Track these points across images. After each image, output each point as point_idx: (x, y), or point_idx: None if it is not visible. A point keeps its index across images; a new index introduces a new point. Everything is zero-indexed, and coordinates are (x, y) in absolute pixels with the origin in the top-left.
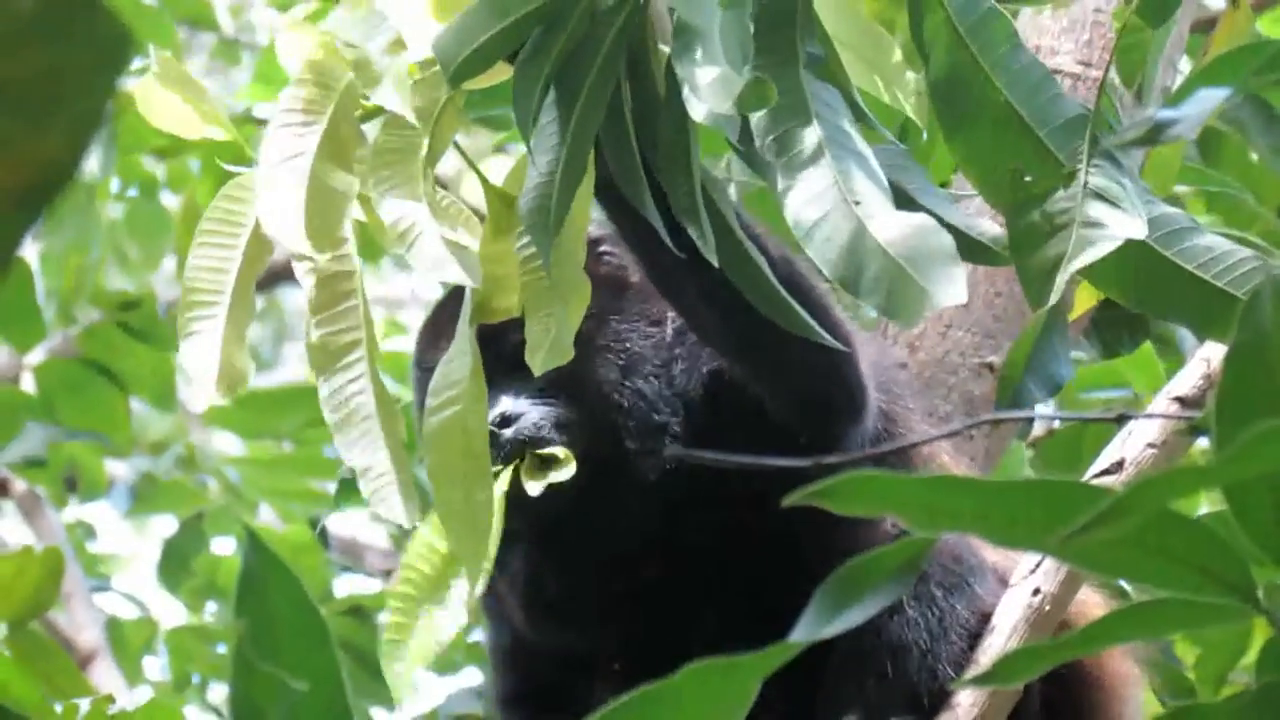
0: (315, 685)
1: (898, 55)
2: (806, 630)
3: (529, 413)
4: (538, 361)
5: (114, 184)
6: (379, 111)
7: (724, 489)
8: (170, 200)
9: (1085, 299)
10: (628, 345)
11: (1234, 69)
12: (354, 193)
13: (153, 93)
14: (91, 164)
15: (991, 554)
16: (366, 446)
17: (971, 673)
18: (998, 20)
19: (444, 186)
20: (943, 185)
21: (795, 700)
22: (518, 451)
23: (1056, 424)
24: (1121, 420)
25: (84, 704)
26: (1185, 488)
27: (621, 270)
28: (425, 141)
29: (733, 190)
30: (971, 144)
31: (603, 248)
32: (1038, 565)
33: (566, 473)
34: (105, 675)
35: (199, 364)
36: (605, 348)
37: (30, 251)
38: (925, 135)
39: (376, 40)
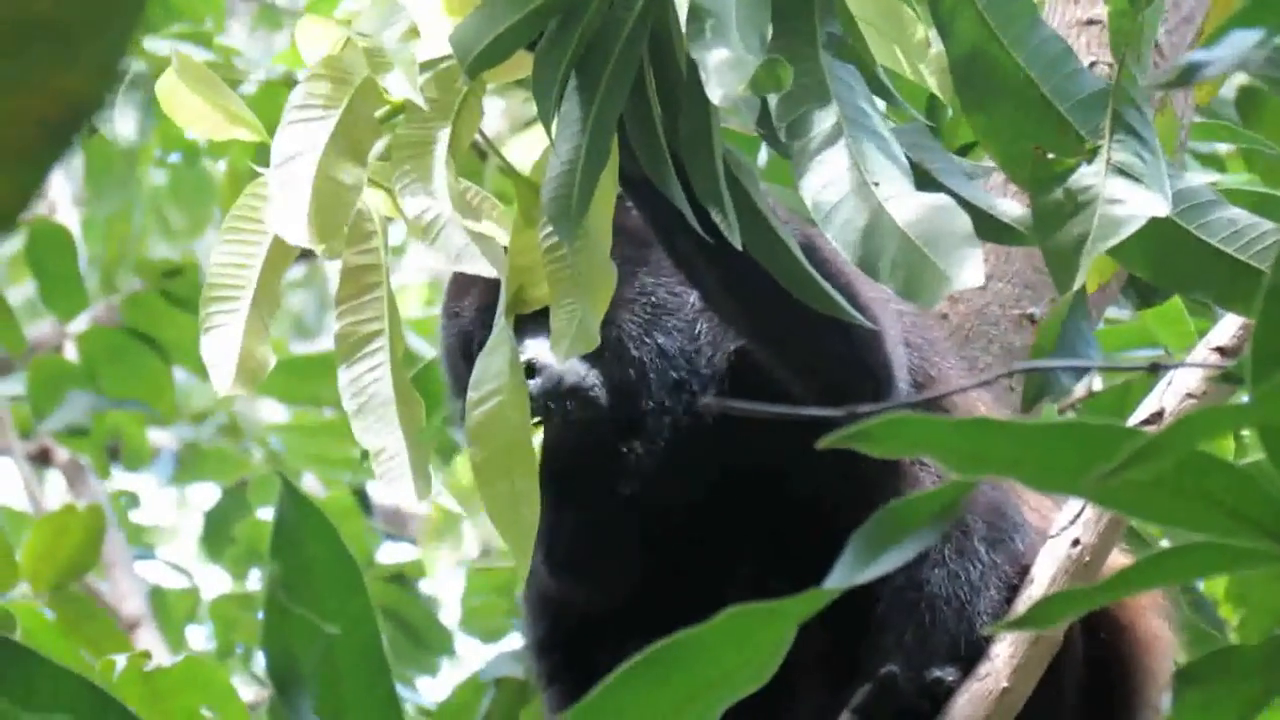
0: (350, 630)
1: (920, 32)
2: (842, 575)
3: (553, 366)
4: (563, 350)
5: (156, 152)
6: (402, 109)
7: (750, 449)
8: (213, 167)
9: (1095, 276)
10: (653, 299)
11: (1272, 11)
12: (363, 186)
13: (175, 92)
14: (130, 130)
15: (1032, 514)
16: (381, 430)
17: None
18: None
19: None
20: (962, 152)
21: (838, 654)
22: (540, 405)
23: (1098, 384)
24: (1155, 370)
25: (120, 660)
26: (1218, 427)
27: None
28: (446, 134)
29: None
30: (992, 120)
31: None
32: (1077, 516)
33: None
34: (149, 643)
35: (219, 356)
36: (630, 300)
37: (72, 220)
38: (950, 111)
39: (391, 30)
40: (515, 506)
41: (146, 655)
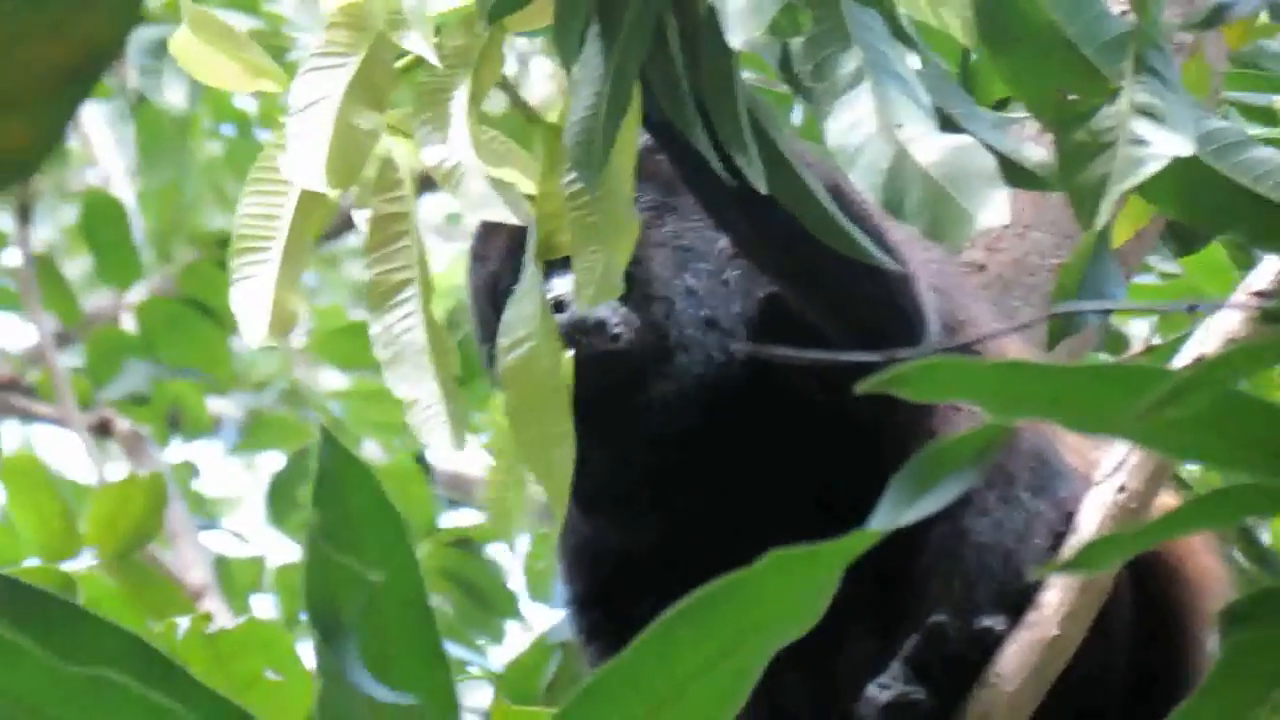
0: (394, 580)
1: None
2: (885, 517)
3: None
4: (587, 298)
5: (206, 122)
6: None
7: (784, 393)
8: (266, 136)
9: (1129, 222)
10: (683, 241)
11: None
12: (381, 132)
13: (190, 47)
14: (179, 98)
15: (1077, 460)
16: (415, 379)
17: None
18: None
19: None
20: (997, 107)
21: (886, 604)
22: (567, 337)
23: (1155, 340)
24: (1193, 310)
25: (183, 623)
26: (1252, 364)
27: None
28: (466, 82)
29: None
30: (1017, 64)
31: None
32: (1122, 462)
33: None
34: (214, 612)
35: (249, 307)
36: (660, 244)
37: (126, 192)
38: (974, 56)
39: None
40: (550, 450)
41: (209, 618)
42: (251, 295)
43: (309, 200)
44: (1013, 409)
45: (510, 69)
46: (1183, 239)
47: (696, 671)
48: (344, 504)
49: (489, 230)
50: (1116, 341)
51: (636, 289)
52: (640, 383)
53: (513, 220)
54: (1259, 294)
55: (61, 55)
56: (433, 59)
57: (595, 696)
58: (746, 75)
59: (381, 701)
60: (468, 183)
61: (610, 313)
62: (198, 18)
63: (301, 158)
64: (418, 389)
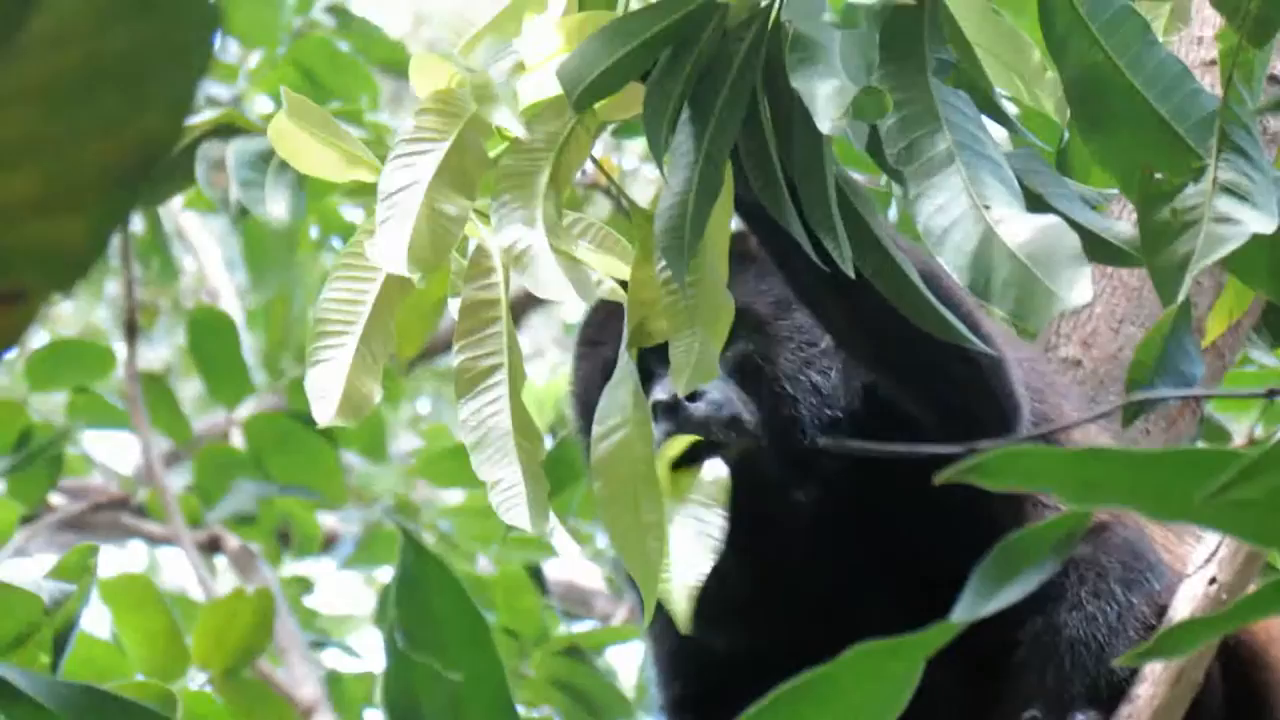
0: (475, 680)
1: (1036, 57)
2: (966, 609)
3: (713, 390)
4: (682, 382)
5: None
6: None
7: (884, 490)
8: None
9: (1225, 313)
10: (809, 337)
11: None
12: (467, 218)
13: (289, 134)
14: (281, 211)
15: (1168, 555)
16: (499, 461)
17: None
18: (1130, 18)
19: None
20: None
21: (981, 701)
22: (702, 430)
23: (1259, 431)
24: (1272, 395)
25: None
26: None
27: None
28: (549, 164)
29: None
30: (1109, 142)
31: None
32: (1213, 554)
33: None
34: None
35: (322, 388)
36: (788, 338)
37: (235, 308)
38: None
39: (500, 65)
40: (642, 539)
41: None
42: (326, 376)
43: (393, 286)
44: (1090, 496)
45: (628, 166)
46: (1277, 331)
47: None
48: (426, 605)
49: (604, 316)
50: (1218, 435)
51: (764, 387)
52: (776, 488)
53: (576, 301)
54: None
55: (116, 154)
56: (521, 132)
57: None
58: (857, 176)
59: None
60: (536, 264)
61: (740, 405)
62: (296, 104)
63: (387, 242)
64: (500, 471)
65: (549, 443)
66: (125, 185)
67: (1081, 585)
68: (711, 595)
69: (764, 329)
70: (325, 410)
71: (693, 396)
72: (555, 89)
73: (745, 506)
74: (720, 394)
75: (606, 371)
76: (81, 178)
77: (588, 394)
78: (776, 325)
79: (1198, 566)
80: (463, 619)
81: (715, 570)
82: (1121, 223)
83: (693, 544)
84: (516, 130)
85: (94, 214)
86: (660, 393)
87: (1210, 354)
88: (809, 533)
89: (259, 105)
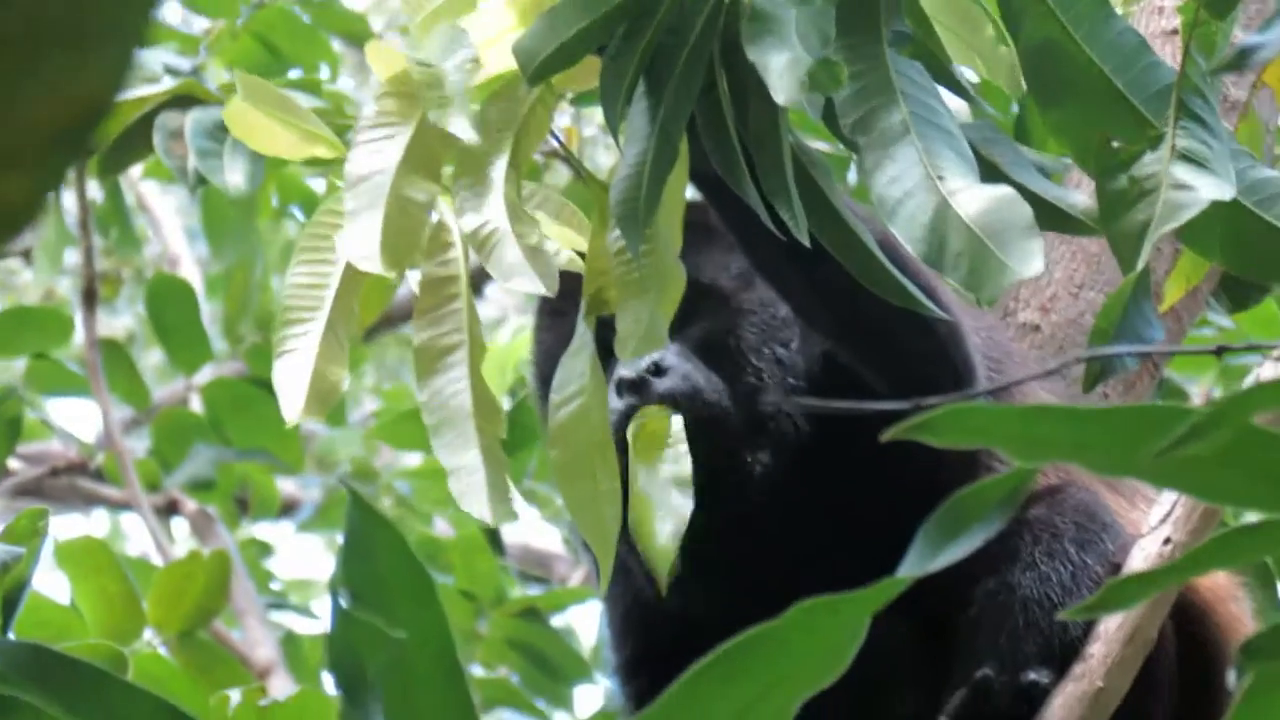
0: (422, 638)
1: (990, 30)
2: (913, 565)
3: (677, 364)
4: (628, 351)
5: (274, 200)
6: None
7: (845, 454)
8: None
9: (1182, 279)
10: (772, 310)
11: None
12: (434, 201)
13: (245, 115)
14: (239, 179)
15: (1124, 514)
16: (459, 446)
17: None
18: None
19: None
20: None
21: (932, 660)
22: (667, 403)
23: (1215, 393)
24: (1221, 352)
25: (235, 696)
26: (1271, 400)
27: None
28: (508, 145)
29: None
30: (1066, 115)
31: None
32: (1169, 514)
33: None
34: (283, 690)
35: (289, 382)
36: (751, 312)
37: (194, 274)
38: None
39: (453, 59)
40: (598, 507)
41: (262, 690)
42: (293, 369)
43: (356, 271)
44: (1037, 453)
45: (588, 133)
46: (1235, 296)
47: None
48: (372, 565)
49: (565, 287)
50: (1177, 396)
51: (729, 362)
52: (738, 457)
53: (540, 291)
54: None
55: (58, 114)
56: (474, 139)
57: None
58: (818, 146)
59: None
60: (501, 250)
61: (704, 380)
62: (251, 86)
63: (357, 238)
64: (460, 456)
65: (508, 403)
66: (67, 146)
67: (1035, 545)
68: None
69: (728, 304)
70: (292, 407)
71: (658, 373)
72: (510, 65)
73: (705, 472)
74: (684, 370)
75: (567, 341)
76: (22, 138)
77: (549, 364)
78: (740, 299)
79: (1152, 526)
80: (409, 578)
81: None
82: (1078, 193)
83: (669, 503)
84: (469, 137)
85: (35, 173)
86: (625, 370)
87: (1169, 318)
88: (768, 498)
89: (218, 76)
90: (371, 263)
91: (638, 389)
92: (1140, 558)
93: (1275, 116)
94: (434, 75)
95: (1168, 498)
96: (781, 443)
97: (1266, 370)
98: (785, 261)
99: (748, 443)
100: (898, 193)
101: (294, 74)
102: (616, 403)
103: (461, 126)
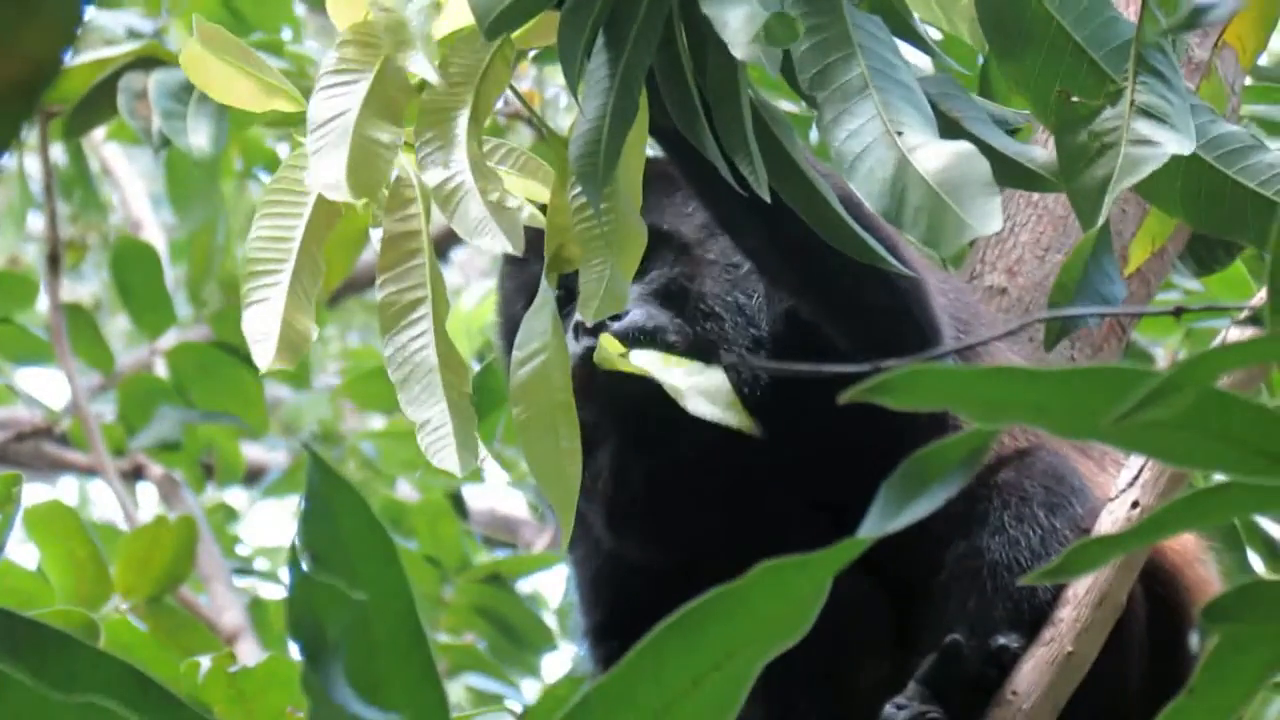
0: (382, 600)
1: None
2: (873, 525)
3: (635, 309)
4: (590, 311)
5: (238, 164)
6: None
7: (805, 409)
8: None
9: (1147, 240)
10: (735, 260)
11: None
12: (399, 146)
13: (201, 61)
14: (203, 142)
15: (1093, 479)
16: (425, 401)
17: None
18: None
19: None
20: None
21: (903, 625)
22: (623, 341)
23: (1181, 355)
24: (1179, 313)
25: (205, 662)
26: (1232, 362)
27: None
28: (469, 98)
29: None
30: (1023, 68)
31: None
32: (1135, 478)
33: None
34: (250, 655)
35: (259, 332)
36: (713, 261)
37: (158, 239)
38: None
39: (413, 3)
40: (559, 465)
41: (232, 657)
42: (262, 319)
43: (320, 218)
44: (995, 415)
45: (549, 94)
46: (1202, 259)
47: (688, 685)
48: (332, 526)
49: (533, 233)
50: (1142, 360)
51: (691, 306)
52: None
53: (506, 248)
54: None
55: (5, 72)
56: (435, 79)
57: (587, 712)
58: (787, 106)
59: None
60: (465, 206)
61: (667, 320)
62: (207, 31)
63: (324, 169)
64: (427, 410)
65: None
66: (15, 105)
67: (1004, 510)
68: (615, 499)
69: (689, 252)
70: (264, 354)
71: (615, 317)
72: (469, 19)
73: (652, 411)
74: (642, 312)
75: (531, 294)
76: None
77: (515, 314)
78: (702, 248)
79: (1120, 490)
80: (370, 540)
81: (619, 476)
82: (1037, 148)
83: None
84: (431, 77)
85: None
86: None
87: (1135, 280)
88: (726, 450)
89: (181, 39)
90: (339, 191)
91: (595, 332)
92: (1109, 522)
93: (1239, 77)
94: (395, 19)
95: (1135, 462)
96: (743, 390)
97: (1233, 334)
98: (746, 217)
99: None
100: (856, 147)
101: (256, 36)
102: (575, 346)
103: (423, 66)
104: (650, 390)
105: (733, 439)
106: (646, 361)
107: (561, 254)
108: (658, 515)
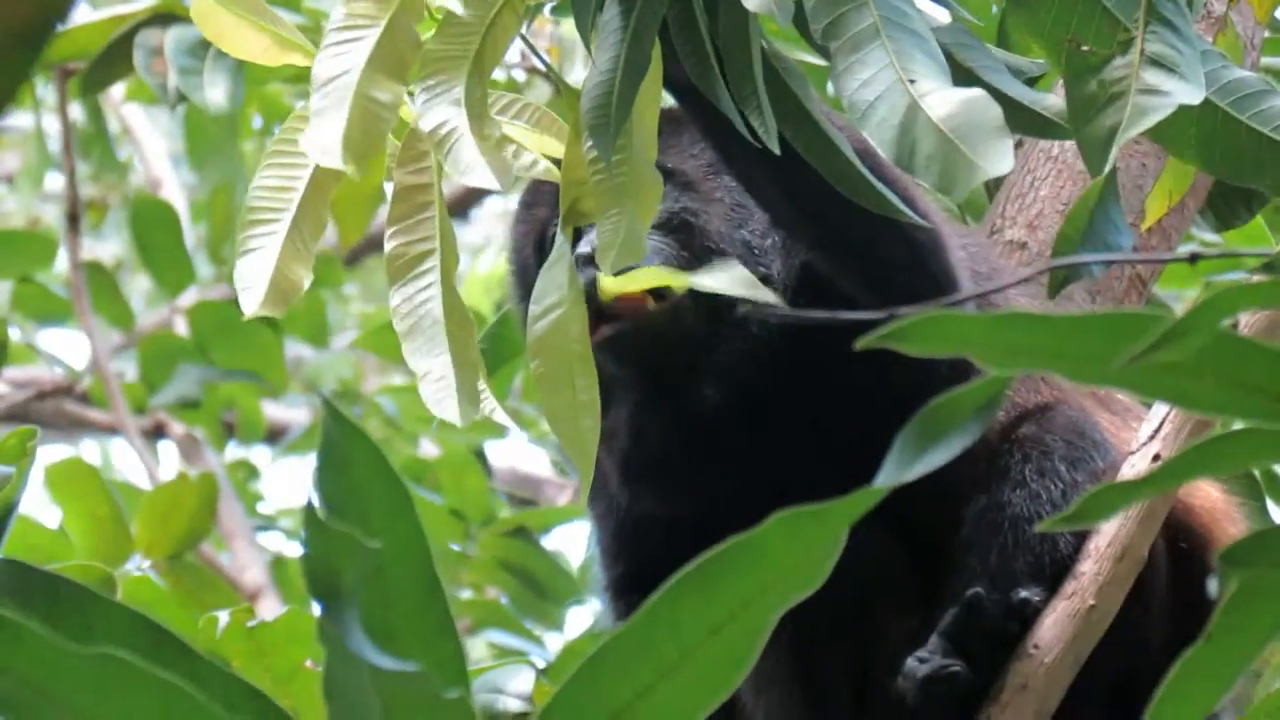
0: (399, 551)
1: None
2: (890, 474)
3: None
4: (608, 262)
5: (257, 121)
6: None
7: (824, 358)
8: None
9: (1165, 193)
10: (739, 200)
11: None
12: (400, 104)
13: (215, 17)
14: (220, 97)
15: (1114, 438)
16: (429, 351)
17: (1079, 530)
18: None
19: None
20: None
21: (925, 579)
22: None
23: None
24: (1194, 259)
25: (223, 617)
26: (1245, 302)
27: None
28: (476, 46)
29: None
30: (1037, 16)
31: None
32: (1156, 431)
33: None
34: (271, 614)
35: (249, 277)
36: (718, 199)
37: (178, 198)
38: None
39: None
40: (577, 418)
41: (250, 611)
42: (253, 266)
43: (325, 172)
44: (1011, 360)
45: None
46: (1222, 213)
47: (704, 636)
48: (348, 475)
49: (540, 182)
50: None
51: (696, 241)
52: (700, 341)
53: (495, 187)
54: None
55: (11, 17)
56: (459, 9)
57: (603, 663)
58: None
59: (385, 669)
60: (458, 148)
61: (671, 253)
62: None
63: (320, 133)
64: (431, 361)
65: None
66: (23, 51)
67: (1026, 463)
68: (630, 452)
69: (695, 188)
70: (251, 301)
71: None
72: None
73: (667, 363)
74: (648, 246)
75: (540, 233)
76: None
77: (523, 260)
78: (707, 185)
79: (1141, 443)
80: (385, 489)
81: (634, 429)
82: (1051, 95)
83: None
84: (455, 7)
85: None
86: (584, 246)
87: (1155, 234)
88: (738, 397)
89: None
90: (332, 157)
91: (593, 263)
92: (1130, 474)
93: (1257, 31)
94: None
95: (1157, 414)
96: (752, 330)
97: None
98: (761, 169)
99: (714, 335)
100: (869, 96)
101: None
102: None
103: None
104: (661, 339)
105: (749, 390)
106: (649, 275)
107: (578, 208)
108: (674, 470)
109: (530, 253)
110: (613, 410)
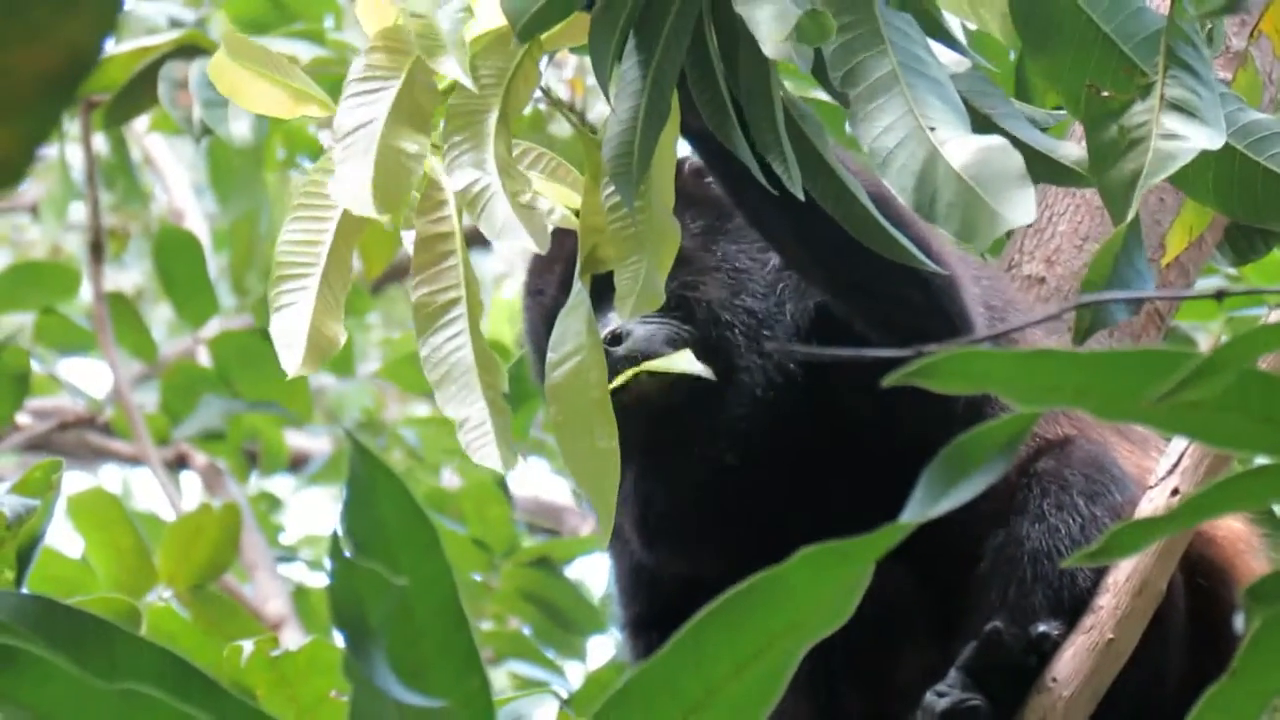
0: (424, 585)
1: None
2: (915, 511)
3: (638, 329)
4: (627, 309)
5: (280, 153)
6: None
7: (837, 405)
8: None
9: (1184, 230)
10: (736, 265)
11: None
12: (425, 154)
13: (230, 72)
14: (244, 131)
15: (1135, 469)
16: (463, 399)
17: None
18: None
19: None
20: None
21: (944, 614)
22: (631, 365)
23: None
24: (1221, 296)
25: (247, 647)
26: (1273, 342)
27: None
28: (498, 101)
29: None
30: (1055, 63)
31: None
32: (1175, 465)
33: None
34: (294, 645)
35: (288, 336)
36: (714, 268)
37: (201, 228)
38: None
39: (445, 9)
40: (597, 464)
41: (274, 641)
42: (290, 323)
43: (350, 224)
44: (1039, 398)
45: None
46: (1239, 248)
47: (729, 672)
48: (374, 512)
49: (544, 264)
50: (1184, 343)
51: (697, 314)
52: (710, 412)
53: (532, 248)
54: None
55: (43, 61)
56: (468, 84)
57: (629, 700)
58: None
59: (411, 706)
60: (492, 208)
61: (663, 340)
62: (233, 42)
63: (348, 182)
64: (466, 408)
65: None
66: (54, 95)
67: (1044, 498)
68: (644, 520)
69: (691, 262)
70: (293, 360)
71: (615, 340)
72: (500, 21)
73: (681, 433)
74: (644, 333)
75: (550, 319)
76: (8, 87)
77: (536, 344)
78: (703, 257)
79: (1160, 477)
80: (412, 525)
81: (645, 495)
82: (1069, 143)
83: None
84: (464, 81)
85: (22, 123)
86: (609, 323)
87: (1174, 270)
88: (756, 452)
89: (223, 27)
90: (363, 205)
91: None
92: (1149, 509)
93: (1275, 66)
94: (427, 25)
95: (1175, 448)
96: (757, 393)
97: (1274, 317)
98: (778, 216)
99: (714, 400)
100: (889, 143)
101: (297, 25)
102: None
103: (454, 69)
104: (660, 410)
105: (758, 443)
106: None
107: (596, 255)
108: (685, 533)
109: (544, 337)
110: (627, 471)
